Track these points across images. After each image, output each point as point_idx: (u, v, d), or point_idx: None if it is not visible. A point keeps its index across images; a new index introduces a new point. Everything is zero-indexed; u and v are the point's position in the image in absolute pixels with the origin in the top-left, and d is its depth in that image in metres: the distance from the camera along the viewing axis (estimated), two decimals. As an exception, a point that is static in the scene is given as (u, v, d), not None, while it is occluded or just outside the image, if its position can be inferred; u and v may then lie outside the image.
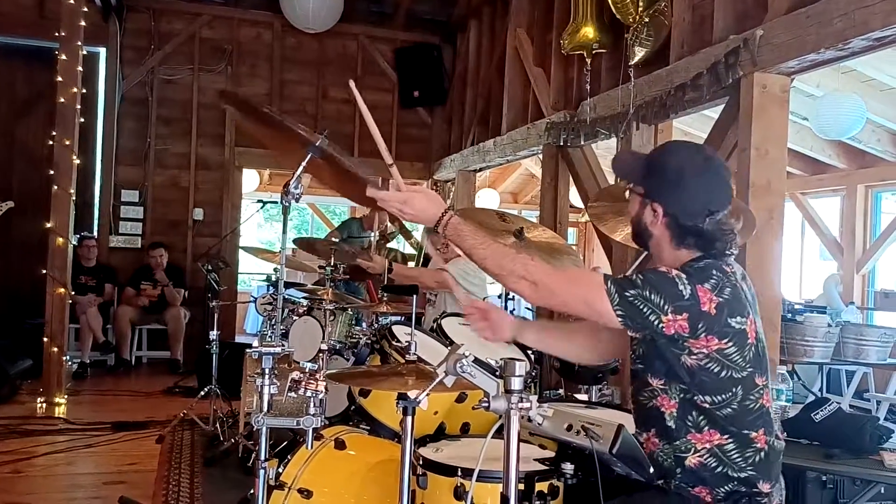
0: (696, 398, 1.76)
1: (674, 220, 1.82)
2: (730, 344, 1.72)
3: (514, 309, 4.74)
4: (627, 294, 1.71)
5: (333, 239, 5.93)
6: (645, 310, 1.70)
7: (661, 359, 1.78)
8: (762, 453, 1.76)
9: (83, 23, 5.90)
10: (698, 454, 1.76)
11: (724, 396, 1.74)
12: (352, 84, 2.01)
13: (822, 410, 2.90)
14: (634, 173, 1.92)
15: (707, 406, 1.75)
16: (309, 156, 2.16)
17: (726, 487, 1.75)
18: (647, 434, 1.85)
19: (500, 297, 4.43)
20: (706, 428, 1.76)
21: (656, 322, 1.70)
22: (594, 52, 5.03)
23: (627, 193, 1.94)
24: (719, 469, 1.75)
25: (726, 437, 1.75)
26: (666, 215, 1.82)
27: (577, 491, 1.92)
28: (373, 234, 5.96)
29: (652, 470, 1.79)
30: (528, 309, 7.66)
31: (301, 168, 2.16)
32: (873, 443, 2.77)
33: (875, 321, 6.88)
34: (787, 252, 3.80)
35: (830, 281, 6.67)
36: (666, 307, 1.69)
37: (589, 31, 4.93)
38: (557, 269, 1.88)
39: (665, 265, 1.81)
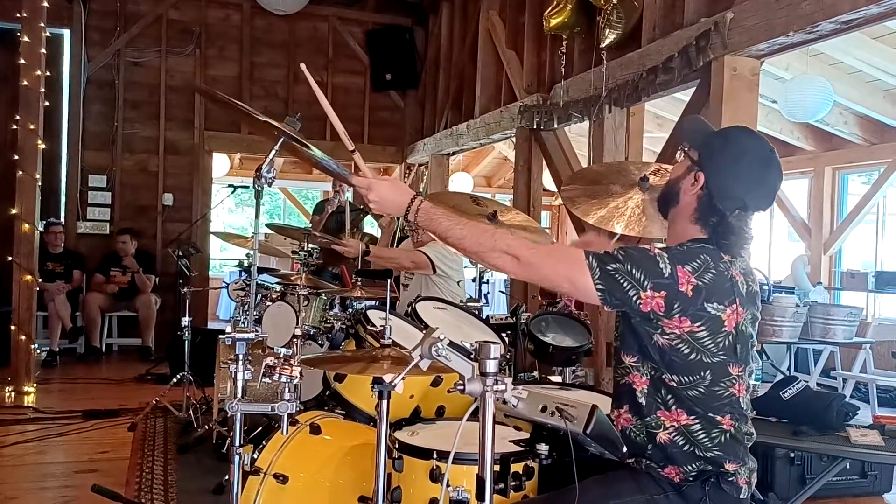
0: (664, 376, 1.78)
1: (708, 194, 1.80)
2: (702, 328, 1.73)
3: (488, 292, 4.75)
4: (609, 268, 1.71)
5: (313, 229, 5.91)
6: (625, 284, 1.70)
7: (634, 336, 1.80)
8: (727, 435, 1.78)
9: (46, 3, 5.76)
10: (667, 431, 1.78)
11: (691, 378, 1.76)
12: (303, 66, 2.00)
13: (790, 389, 2.97)
14: (695, 137, 1.90)
15: (674, 385, 1.77)
16: (280, 141, 2.13)
17: (694, 466, 1.77)
18: (620, 410, 1.87)
19: (473, 280, 4.44)
20: (674, 406, 1.78)
21: (634, 297, 1.70)
22: (575, 33, 5.02)
23: (680, 155, 1.92)
24: (687, 448, 1.77)
25: (693, 417, 1.77)
26: (705, 187, 1.80)
27: (552, 471, 1.94)
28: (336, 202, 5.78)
29: (625, 448, 1.81)
30: (503, 293, 7.69)
31: (273, 152, 2.13)
32: (840, 420, 2.83)
33: (841, 301, 7.03)
34: (756, 233, 3.84)
35: (798, 262, 6.79)
36: (645, 283, 1.70)
37: (571, 13, 4.91)
38: (538, 244, 1.86)
39: (675, 236, 1.85)
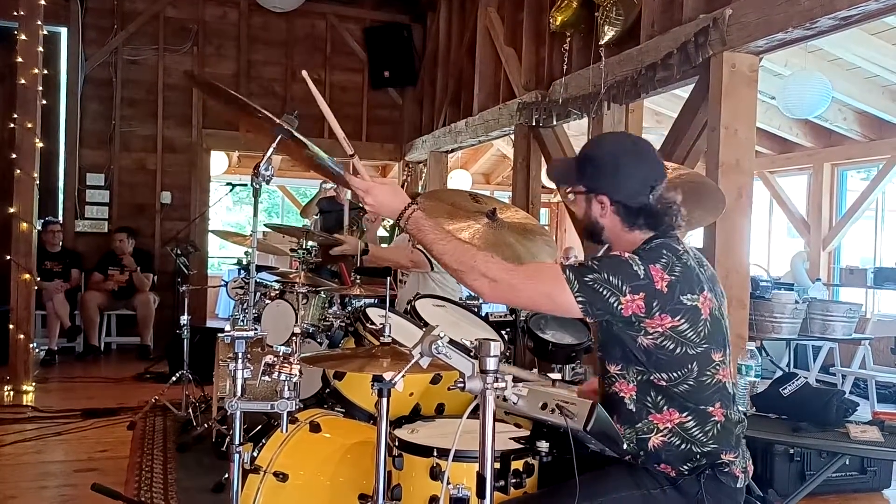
0: (652, 377, 1.79)
1: (621, 205, 1.86)
2: (682, 321, 1.76)
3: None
4: (587, 279, 1.73)
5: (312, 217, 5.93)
6: (604, 293, 1.73)
7: (617, 344, 1.82)
8: (719, 425, 1.80)
9: (43, 1, 5.75)
10: (661, 434, 1.79)
11: (679, 373, 1.78)
12: (305, 74, 2.00)
13: (789, 385, 2.97)
14: (570, 175, 1.95)
15: (664, 384, 1.79)
16: (278, 137, 2.12)
17: (690, 462, 1.79)
18: (612, 420, 1.87)
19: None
20: (665, 407, 1.80)
21: (615, 304, 1.73)
22: (580, 30, 5.01)
23: (571, 197, 1.96)
24: (683, 447, 1.79)
25: (685, 414, 1.79)
26: (613, 203, 1.86)
27: (552, 468, 1.94)
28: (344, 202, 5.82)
29: (625, 446, 1.82)
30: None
31: (271, 150, 2.13)
32: (839, 416, 2.84)
33: (840, 297, 7.03)
34: (755, 230, 3.85)
35: (797, 258, 6.78)
36: (624, 288, 1.73)
37: (576, 9, 4.89)
38: (516, 266, 1.87)
39: (620, 250, 1.85)
